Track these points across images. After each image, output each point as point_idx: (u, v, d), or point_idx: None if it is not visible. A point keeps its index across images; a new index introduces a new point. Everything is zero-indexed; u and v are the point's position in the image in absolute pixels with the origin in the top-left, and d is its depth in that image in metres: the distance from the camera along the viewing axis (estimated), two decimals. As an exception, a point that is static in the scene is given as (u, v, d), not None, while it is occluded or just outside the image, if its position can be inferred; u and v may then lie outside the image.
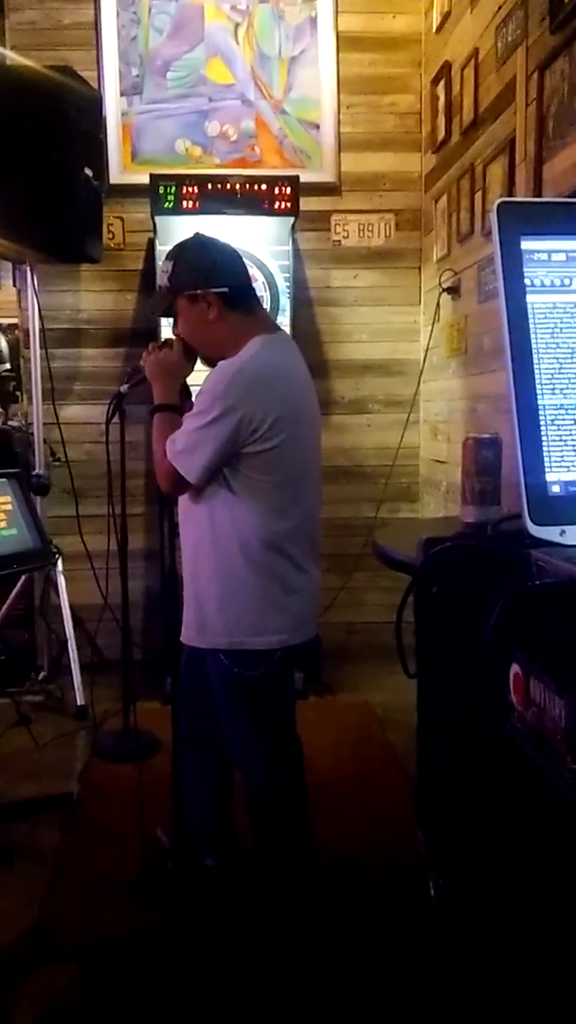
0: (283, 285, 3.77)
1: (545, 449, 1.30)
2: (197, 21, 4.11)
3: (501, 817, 1.33)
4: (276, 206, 3.68)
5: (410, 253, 4.30)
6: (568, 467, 1.30)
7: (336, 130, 4.19)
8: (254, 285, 2.17)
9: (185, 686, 2.26)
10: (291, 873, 2.09)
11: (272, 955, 2.04)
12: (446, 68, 3.71)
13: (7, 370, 4.28)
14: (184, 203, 3.64)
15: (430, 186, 4.11)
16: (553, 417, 1.31)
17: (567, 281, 1.35)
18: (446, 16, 3.75)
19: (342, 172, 4.22)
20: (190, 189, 3.64)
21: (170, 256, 2.07)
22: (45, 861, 2.50)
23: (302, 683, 3.69)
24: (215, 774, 2.29)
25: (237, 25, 4.12)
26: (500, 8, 3.03)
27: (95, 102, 3.79)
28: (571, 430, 1.31)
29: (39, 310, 3.84)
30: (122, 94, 4.12)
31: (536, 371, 1.31)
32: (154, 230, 3.79)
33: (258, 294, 2.19)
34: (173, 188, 3.64)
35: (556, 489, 1.30)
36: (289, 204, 3.69)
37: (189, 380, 2.16)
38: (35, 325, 3.85)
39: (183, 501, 2.05)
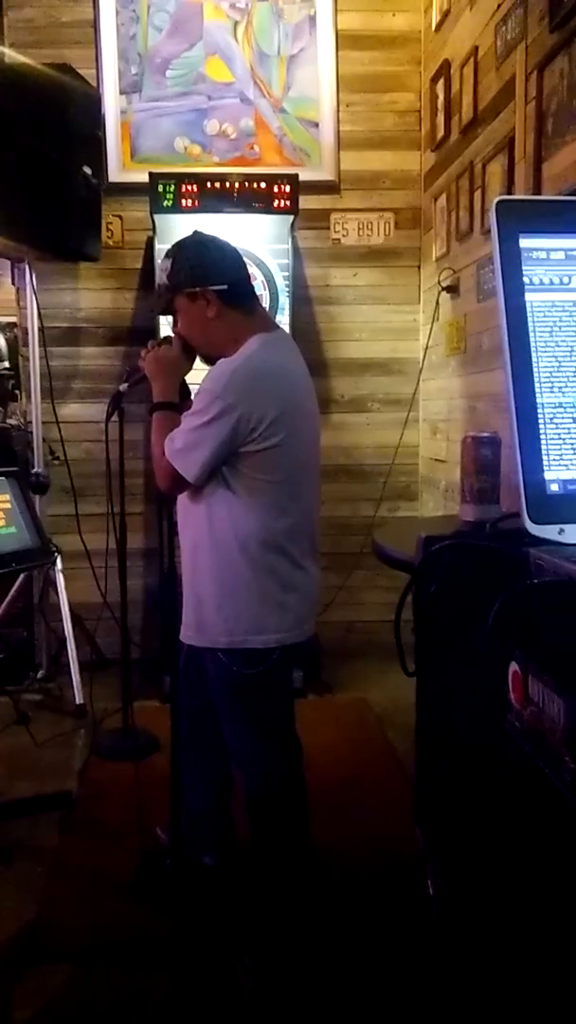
0: (282, 284, 3.77)
1: (544, 448, 1.30)
2: (196, 19, 4.10)
3: (499, 815, 1.33)
4: (275, 204, 3.68)
5: (409, 252, 4.30)
6: (567, 465, 1.30)
7: (335, 128, 4.18)
8: (253, 283, 2.17)
9: (184, 685, 2.26)
10: (290, 871, 2.09)
11: (271, 953, 2.04)
12: (445, 66, 3.71)
13: (6, 368, 4.27)
14: (183, 201, 3.64)
15: (429, 184, 4.11)
16: (552, 415, 1.31)
17: (566, 279, 1.35)
18: (445, 14, 3.75)
19: (341, 170, 4.22)
20: (189, 187, 3.63)
21: (169, 254, 2.07)
22: (43, 860, 2.50)
23: (301, 682, 3.69)
24: (214, 773, 2.29)
25: (236, 23, 4.12)
26: (499, 6, 3.02)
27: (94, 100, 3.79)
28: (570, 428, 1.31)
29: (38, 308, 3.83)
30: (121, 92, 4.12)
31: (535, 369, 1.31)
32: (153, 228, 3.78)
33: (257, 293, 2.18)
34: (172, 186, 3.64)
35: (555, 488, 1.30)
36: (288, 202, 3.69)
37: (188, 378, 2.16)
38: (34, 323, 3.85)
39: (182, 500, 2.05)
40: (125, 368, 3.53)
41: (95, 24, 4.08)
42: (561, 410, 1.31)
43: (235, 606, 1.96)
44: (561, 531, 1.27)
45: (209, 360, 2.10)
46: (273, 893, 2.10)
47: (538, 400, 1.30)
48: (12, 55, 3.43)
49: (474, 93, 3.32)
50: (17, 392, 4.22)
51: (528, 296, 1.33)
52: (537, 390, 1.31)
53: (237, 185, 3.66)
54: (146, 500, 4.11)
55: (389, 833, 2.54)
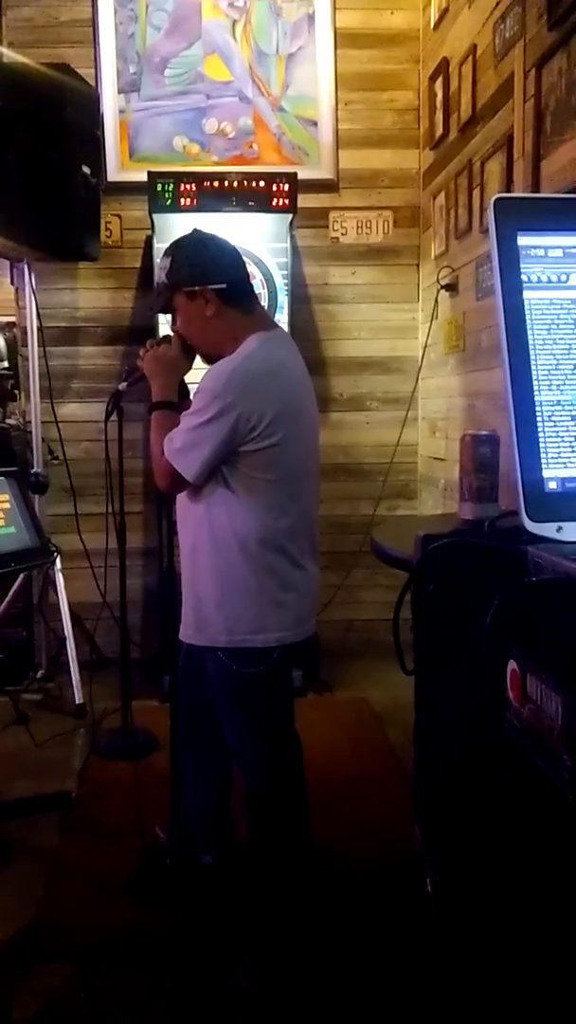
0: (281, 282, 3.77)
1: (542, 446, 1.30)
2: (195, 18, 4.10)
3: (498, 813, 1.33)
4: (274, 203, 3.68)
5: (408, 250, 4.30)
6: (565, 463, 1.30)
7: (334, 127, 4.18)
8: (252, 282, 2.17)
9: (183, 684, 2.26)
10: (289, 870, 2.09)
11: (271, 952, 2.04)
12: (444, 64, 3.71)
13: (5, 368, 4.27)
14: (182, 200, 3.64)
15: (428, 183, 4.10)
16: (550, 413, 1.31)
17: (563, 277, 1.35)
18: (444, 12, 3.74)
19: (340, 169, 4.22)
20: (188, 186, 3.63)
21: (168, 252, 2.07)
22: (43, 859, 2.50)
23: (300, 680, 3.70)
24: (213, 772, 2.29)
25: (235, 22, 4.12)
26: (498, 4, 3.02)
27: (92, 99, 3.78)
28: (568, 426, 1.31)
29: (37, 308, 3.83)
30: (120, 91, 4.12)
31: (533, 367, 1.31)
32: (152, 228, 3.78)
33: (256, 291, 2.18)
34: (171, 185, 3.64)
35: (553, 485, 1.30)
36: (287, 201, 3.68)
37: (187, 378, 2.16)
38: (33, 323, 3.85)
39: (181, 499, 2.05)
40: (124, 367, 3.53)
41: (93, 23, 4.08)
42: (559, 408, 1.31)
43: (235, 605, 1.96)
44: (559, 529, 1.27)
45: (208, 359, 2.10)
46: (273, 892, 2.10)
47: (536, 398, 1.30)
48: (11, 55, 3.43)
49: (473, 91, 3.31)
50: (16, 392, 4.21)
51: (526, 294, 1.33)
52: (535, 388, 1.30)
53: (236, 184, 3.66)
54: (145, 499, 4.11)
55: (388, 831, 2.54)
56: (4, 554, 3.11)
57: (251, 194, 3.66)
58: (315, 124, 4.18)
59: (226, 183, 3.66)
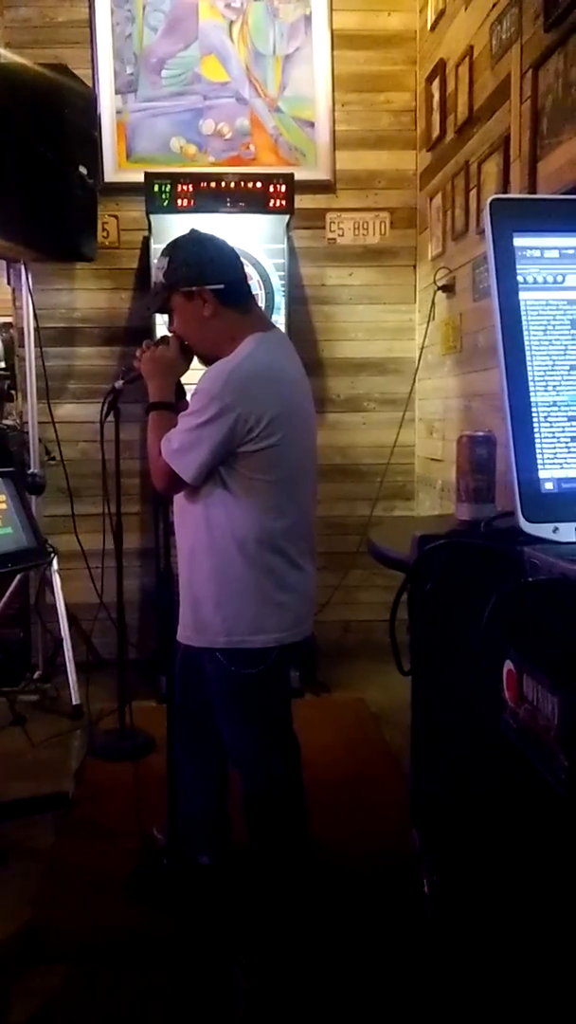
0: (278, 283, 3.77)
1: (538, 446, 1.30)
2: (191, 19, 4.10)
3: (495, 813, 1.33)
4: (271, 204, 3.68)
5: (405, 251, 4.30)
6: (561, 464, 1.31)
7: (331, 128, 4.18)
8: (250, 283, 2.17)
9: (181, 685, 2.26)
10: (287, 870, 2.09)
11: (268, 952, 2.04)
12: (441, 66, 3.71)
13: (1, 369, 4.26)
14: (179, 201, 3.64)
15: (425, 184, 4.11)
16: (546, 414, 1.31)
17: (560, 278, 1.35)
18: (441, 14, 3.75)
19: (337, 170, 4.22)
20: (185, 187, 3.63)
21: (166, 252, 2.07)
22: (40, 860, 2.50)
23: (298, 681, 3.70)
24: (211, 772, 2.29)
25: (232, 23, 4.12)
26: (494, 6, 3.03)
27: (89, 100, 3.78)
28: (564, 427, 1.31)
29: (34, 308, 3.83)
30: (117, 92, 4.12)
31: (529, 368, 1.31)
32: (149, 228, 3.79)
33: (253, 292, 2.18)
34: (168, 186, 3.64)
35: (549, 486, 1.30)
36: (284, 202, 3.68)
37: (183, 379, 2.16)
38: (30, 323, 3.84)
39: (178, 500, 2.05)
40: (121, 368, 3.53)
41: (91, 24, 4.08)
42: (555, 409, 1.31)
43: (233, 606, 1.96)
44: (555, 529, 1.27)
45: (205, 359, 2.10)
46: (270, 892, 2.10)
47: (532, 399, 1.30)
48: (8, 55, 3.43)
49: (469, 92, 3.32)
50: (13, 392, 4.21)
51: (522, 295, 1.33)
52: (531, 389, 1.31)
53: (233, 185, 3.66)
54: (142, 500, 4.10)
55: (385, 832, 2.54)
56: (1, 555, 3.11)
57: (248, 195, 3.66)
58: (312, 125, 4.18)
59: (223, 184, 3.66)
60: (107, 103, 4.09)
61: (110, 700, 3.48)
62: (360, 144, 4.23)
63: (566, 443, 1.31)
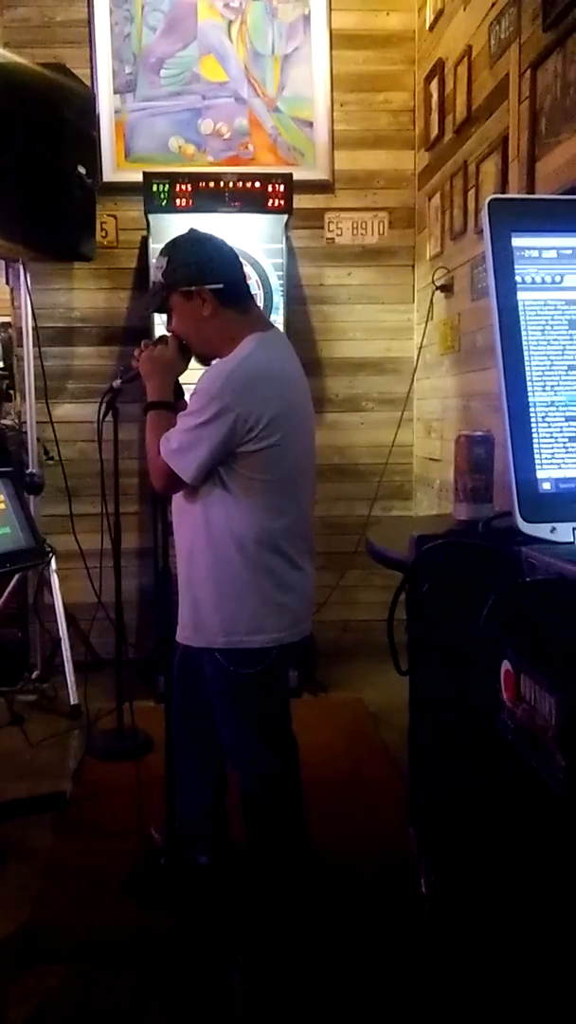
0: (276, 283, 3.77)
1: (536, 446, 1.30)
2: (190, 19, 4.10)
3: (492, 814, 1.33)
4: (269, 204, 3.68)
5: (404, 251, 4.30)
6: (559, 464, 1.30)
7: (329, 128, 4.18)
8: (248, 283, 2.17)
9: (180, 685, 2.26)
10: (285, 870, 2.09)
11: (266, 952, 2.04)
12: (439, 65, 3.71)
13: (0, 369, 4.27)
14: (177, 201, 3.63)
15: (423, 184, 4.11)
16: (544, 414, 1.31)
17: (558, 278, 1.35)
18: (439, 13, 3.75)
19: (335, 170, 4.22)
20: (183, 187, 3.63)
21: (165, 252, 2.06)
22: (38, 860, 2.50)
23: (296, 681, 3.70)
24: (209, 772, 2.29)
25: (230, 23, 4.12)
26: (493, 5, 3.03)
27: (88, 100, 3.78)
28: (562, 427, 1.31)
29: (32, 308, 3.83)
30: (115, 92, 4.12)
31: (527, 368, 1.31)
32: (147, 228, 3.78)
33: (252, 292, 2.18)
34: (166, 186, 3.63)
35: (547, 486, 1.30)
36: (282, 202, 3.68)
37: (182, 379, 2.16)
38: (28, 323, 3.84)
39: (177, 500, 2.04)
40: (119, 368, 3.53)
41: (89, 24, 4.08)
42: (553, 409, 1.31)
43: (233, 606, 1.96)
44: (553, 529, 1.27)
45: (204, 359, 2.10)
46: (268, 892, 2.10)
47: (530, 399, 1.30)
48: (6, 55, 3.43)
49: (468, 92, 3.32)
50: (11, 392, 4.21)
51: (520, 295, 1.33)
52: (529, 389, 1.31)
53: (231, 185, 3.65)
54: (141, 500, 4.10)
55: (383, 832, 2.54)
56: (-1, 555, 3.11)
57: (246, 195, 3.65)
58: (311, 125, 4.18)
59: (222, 184, 3.65)
60: (106, 103, 4.09)
61: (108, 700, 3.48)
62: (359, 144, 4.23)
63: (564, 443, 1.31)
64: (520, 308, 1.32)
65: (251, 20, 4.12)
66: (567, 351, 1.33)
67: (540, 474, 1.30)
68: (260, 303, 3.52)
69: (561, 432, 1.31)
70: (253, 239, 3.70)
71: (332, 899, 2.25)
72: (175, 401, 2.11)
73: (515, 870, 1.29)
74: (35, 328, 3.85)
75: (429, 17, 3.89)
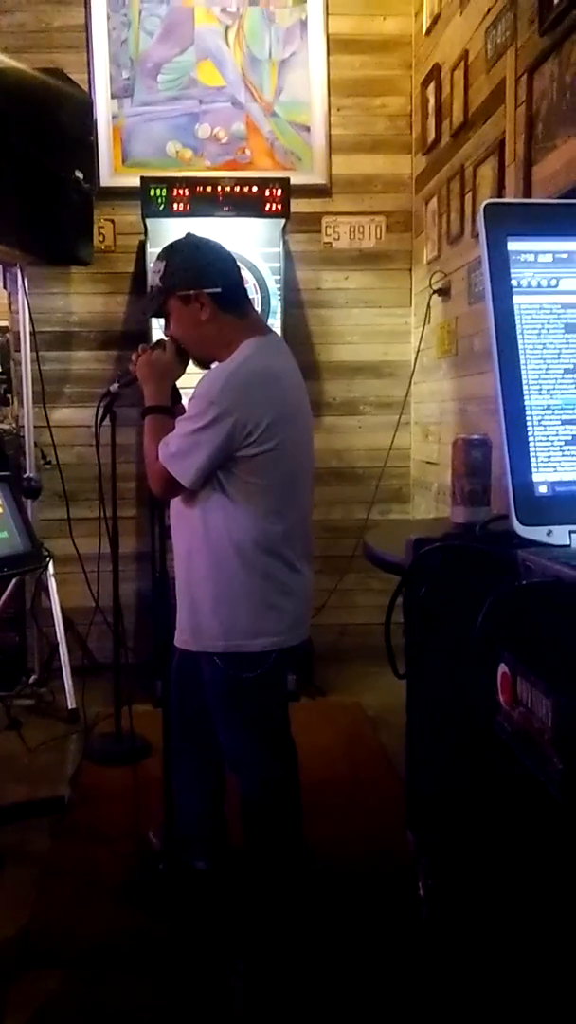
0: (274, 287, 3.78)
1: (532, 450, 1.30)
2: (187, 24, 4.11)
3: (490, 817, 1.33)
4: (267, 208, 3.68)
5: (401, 255, 4.31)
6: (555, 467, 1.30)
7: (327, 132, 4.19)
8: (246, 287, 2.17)
9: (178, 689, 2.26)
10: (283, 874, 2.09)
11: (265, 957, 2.03)
12: (436, 70, 3.72)
13: (-2, 373, 4.28)
14: (175, 205, 3.64)
15: (420, 188, 4.12)
16: (540, 418, 1.31)
17: (553, 282, 1.35)
18: (436, 18, 3.76)
19: (333, 174, 4.23)
20: (181, 191, 3.64)
21: (162, 256, 2.07)
22: (36, 864, 2.49)
23: (294, 684, 3.70)
24: (207, 777, 2.29)
25: (227, 28, 4.13)
26: (489, 10, 3.04)
27: (85, 105, 3.79)
28: (557, 430, 1.31)
29: (30, 313, 3.83)
30: (113, 96, 4.12)
31: (523, 372, 1.31)
32: (145, 232, 3.79)
33: (249, 296, 2.18)
34: (164, 190, 3.64)
35: (543, 490, 1.30)
36: (280, 206, 3.69)
37: (179, 383, 2.16)
38: (26, 328, 3.85)
39: (175, 504, 2.05)
40: (117, 372, 3.53)
41: (86, 29, 4.09)
42: (549, 412, 1.31)
43: (232, 610, 1.96)
44: (549, 533, 1.27)
45: (202, 363, 2.10)
46: (267, 897, 2.09)
47: (526, 403, 1.30)
48: (4, 60, 3.43)
49: (465, 97, 3.33)
50: (9, 396, 4.21)
51: (516, 299, 1.33)
52: (525, 393, 1.31)
53: (228, 189, 3.66)
54: (138, 504, 4.11)
55: (381, 835, 2.54)
56: (-3, 559, 3.10)
57: (244, 199, 3.66)
58: (308, 129, 4.19)
59: (219, 188, 3.66)
60: (103, 108, 4.10)
61: (106, 704, 3.47)
62: (356, 148, 4.24)
63: (560, 446, 1.31)
64: (516, 312, 1.32)
65: (248, 25, 4.13)
66: (563, 355, 1.33)
67: (536, 477, 1.29)
68: (258, 307, 3.54)
69: (557, 435, 1.31)
70: (250, 243, 3.71)
71: (329, 902, 2.24)
72: (173, 405, 2.11)
73: (512, 873, 1.29)
74: (33, 332, 3.86)
75: (426, 22, 3.91)
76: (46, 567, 3.68)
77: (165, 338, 2.14)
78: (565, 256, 1.36)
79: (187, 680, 2.16)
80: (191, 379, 2.04)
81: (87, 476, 3.85)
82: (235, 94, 4.15)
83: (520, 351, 1.31)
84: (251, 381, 1.91)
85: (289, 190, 3.71)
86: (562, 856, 1.13)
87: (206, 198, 3.65)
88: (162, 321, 2.16)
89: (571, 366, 1.33)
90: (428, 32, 3.89)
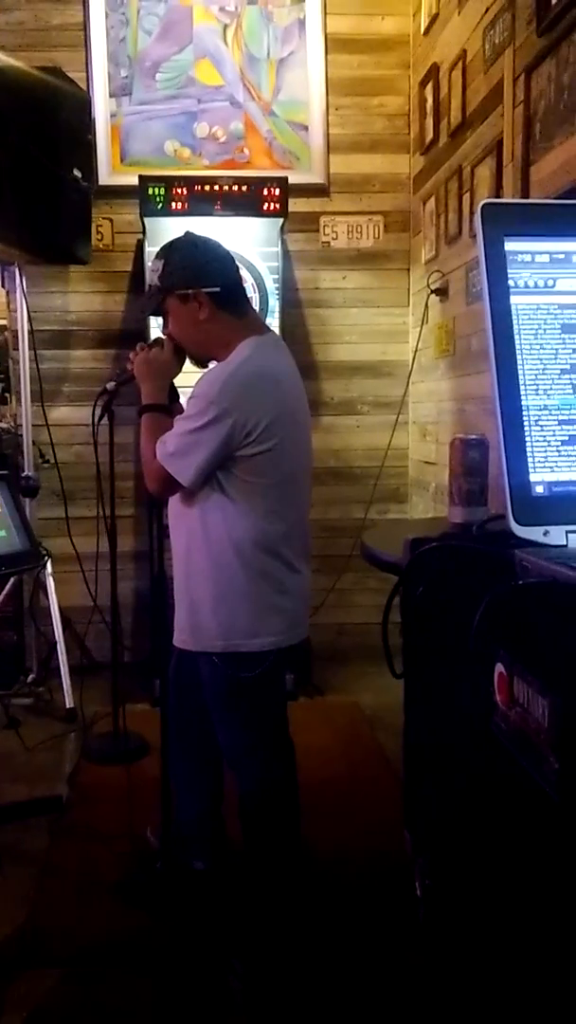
0: (272, 286, 3.78)
1: (529, 450, 1.30)
2: (186, 23, 4.11)
3: (487, 816, 1.33)
4: (265, 207, 3.68)
5: (399, 255, 4.31)
6: (552, 468, 1.31)
7: (325, 132, 4.19)
8: (244, 286, 2.17)
9: (176, 689, 2.26)
10: (281, 874, 2.09)
11: (262, 957, 2.03)
12: (434, 70, 3.72)
13: (-4, 372, 4.28)
14: (173, 204, 3.64)
15: (418, 188, 4.12)
16: (537, 418, 1.31)
17: (550, 282, 1.35)
18: (434, 18, 3.76)
19: (331, 174, 4.23)
20: (179, 190, 3.63)
21: (161, 254, 2.06)
22: (34, 864, 2.49)
23: (292, 684, 3.69)
24: (205, 776, 2.29)
25: (226, 27, 4.12)
26: (487, 10, 3.04)
27: (84, 103, 3.79)
28: (554, 430, 1.32)
29: (28, 311, 3.83)
30: (111, 95, 4.12)
31: (520, 372, 1.31)
32: (143, 231, 3.79)
33: (248, 295, 2.18)
34: (162, 189, 3.64)
35: (540, 490, 1.30)
36: (278, 205, 3.69)
37: (177, 382, 2.16)
38: (24, 326, 3.84)
39: (173, 503, 2.04)
40: (115, 370, 3.54)
41: (85, 27, 4.08)
42: (546, 412, 1.32)
43: (230, 610, 1.96)
44: (546, 533, 1.28)
45: (200, 362, 2.10)
46: (265, 897, 2.10)
47: (523, 403, 1.31)
48: (2, 58, 3.43)
49: (462, 97, 3.33)
50: (7, 395, 4.21)
51: (513, 299, 1.33)
52: (523, 393, 1.31)
53: (227, 188, 3.66)
54: (136, 503, 4.11)
55: (379, 835, 2.53)
56: (-5, 558, 3.11)
57: (242, 198, 3.66)
58: (306, 129, 4.19)
59: (217, 187, 3.66)
60: (101, 106, 4.09)
61: (104, 703, 3.48)
62: (354, 148, 4.24)
63: (557, 447, 1.31)
64: (513, 312, 1.32)
65: (246, 24, 4.13)
66: (560, 355, 1.34)
67: (533, 477, 1.30)
68: (256, 306, 3.53)
69: (554, 436, 1.31)
70: (249, 242, 3.71)
71: (327, 901, 2.25)
72: (170, 404, 2.11)
73: (509, 873, 1.29)
74: (31, 331, 3.86)
75: (424, 22, 3.91)
76: (44, 566, 3.68)
77: (163, 337, 2.14)
78: (562, 256, 1.37)
79: (185, 680, 2.15)
80: (189, 378, 2.04)
81: (85, 475, 3.85)
82: (233, 93, 4.15)
83: (517, 351, 1.32)
84: (251, 381, 1.91)
85: (287, 189, 3.70)
86: (559, 855, 1.14)
87: (204, 197, 3.65)
88: (160, 320, 2.16)
89: (568, 366, 1.34)
90: (426, 32, 3.89)
